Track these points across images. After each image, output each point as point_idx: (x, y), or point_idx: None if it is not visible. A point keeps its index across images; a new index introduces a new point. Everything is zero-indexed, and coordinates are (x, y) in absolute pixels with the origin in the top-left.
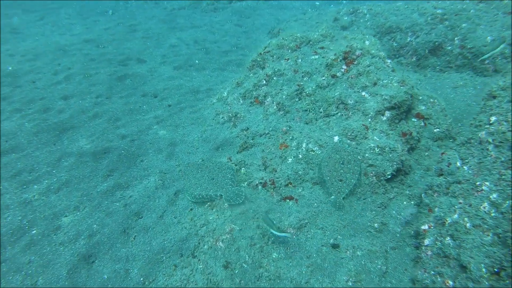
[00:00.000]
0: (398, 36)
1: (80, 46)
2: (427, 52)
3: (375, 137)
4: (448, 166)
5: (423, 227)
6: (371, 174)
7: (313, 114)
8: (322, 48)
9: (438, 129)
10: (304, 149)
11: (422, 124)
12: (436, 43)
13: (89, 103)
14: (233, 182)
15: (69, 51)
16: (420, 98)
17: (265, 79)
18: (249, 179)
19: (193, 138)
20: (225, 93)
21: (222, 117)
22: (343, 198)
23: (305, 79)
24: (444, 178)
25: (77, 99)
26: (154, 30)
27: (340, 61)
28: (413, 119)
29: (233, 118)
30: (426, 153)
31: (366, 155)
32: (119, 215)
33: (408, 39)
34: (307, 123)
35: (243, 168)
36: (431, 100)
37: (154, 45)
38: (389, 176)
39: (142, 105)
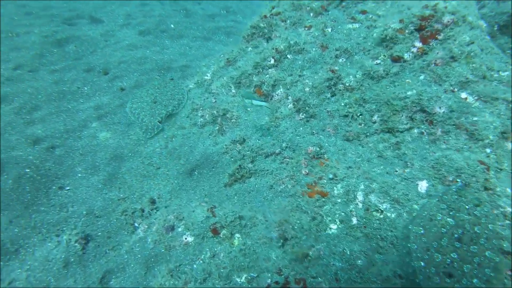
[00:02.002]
0: None
1: None
2: None
3: (508, 189)
4: None
5: None
6: None
7: (360, 125)
8: (364, 12)
9: None
10: (360, 204)
11: None
12: None
13: None
14: None
15: None
16: None
17: (273, 57)
18: (250, 272)
19: (152, 148)
20: (209, 74)
21: (202, 116)
22: None
23: (341, 60)
24: None
25: None
26: None
27: (411, 33)
28: None
29: (219, 119)
30: None
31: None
32: None
33: None
34: (349, 140)
35: (237, 236)
36: None
37: (119, 1)
38: None
39: (81, 86)
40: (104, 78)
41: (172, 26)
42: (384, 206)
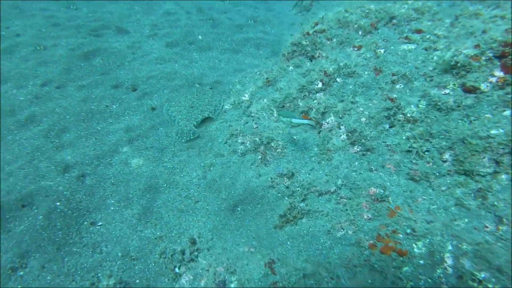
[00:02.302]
0: None
1: (45, 4)
2: None
3: None
4: None
5: None
6: None
7: (428, 163)
8: (419, 31)
9: None
10: (450, 269)
11: None
12: None
13: (26, 95)
14: None
15: (27, 9)
16: None
17: (321, 80)
18: None
19: (189, 178)
20: (246, 95)
21: (242, 143)
22: None
23: (398, 87)
24: None
25: (11, 87)
26: None
27: (489, 60)
28: None
29: (262, 147)
30: None
31: None
32: None
33: None
34: (415, 180)
35: None
36: None
37: (144, 10)
38: None
39: (110, 104)
40: (133, 95)
41: (199, 37)
42: (483, 275)
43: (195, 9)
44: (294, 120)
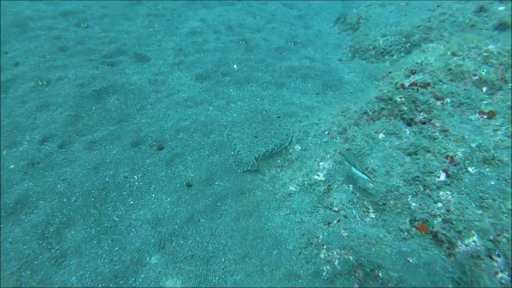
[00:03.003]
0: None
1: (52, 22)
2: None
3: None
4: None
5: None
6: None
7: None
8: None
9: None
10: None
11: None
12: None
13: (19, 160)
14: None
15: (31, 29)
16: None
17: (445, 170)
18: None
19: None
20: (320, 173)
21: (328, 260)
22: None
23: None
24: None
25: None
26: (167, 3)
27: None
28: None
29: (360, 273)
30: None
31: None
32: None
33: None
34: None
35: None
36: None
37: (165, 29)
38: None
39: (130, 175)
40: (159, 157)
41: (235, 66)
42: None
43: (224, 27)
44: (354, 169)
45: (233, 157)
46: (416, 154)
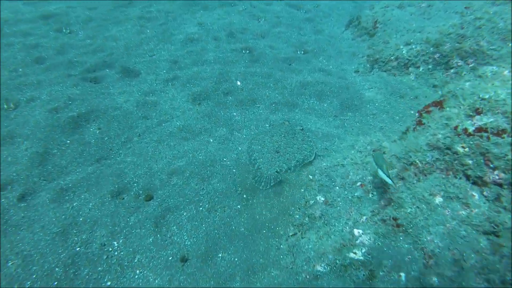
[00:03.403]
0: None
1: (30, 26)
2: None
3: None
4: None
5: None
6: None
7: None
8: None
9: None
10: None
11: None
12: None
13: None
14: None
15: (5, 35)
16: None
17: None
18: None
19: None
20: (357, 250)
21: None
22: None
23: None
24: None
25: None
26: (162, 4)
27: None
28: None
29: None
30: None
31: None
32: None
33: None
34: None
35: None
36: None
37: (158, 35)
38: None
39: (109, 241)
40: (146, 213)
41: (238, 83)
42: None
43: (224, 32)
44: (379, 172)
45: (253, 173)
46: (497, 236)
